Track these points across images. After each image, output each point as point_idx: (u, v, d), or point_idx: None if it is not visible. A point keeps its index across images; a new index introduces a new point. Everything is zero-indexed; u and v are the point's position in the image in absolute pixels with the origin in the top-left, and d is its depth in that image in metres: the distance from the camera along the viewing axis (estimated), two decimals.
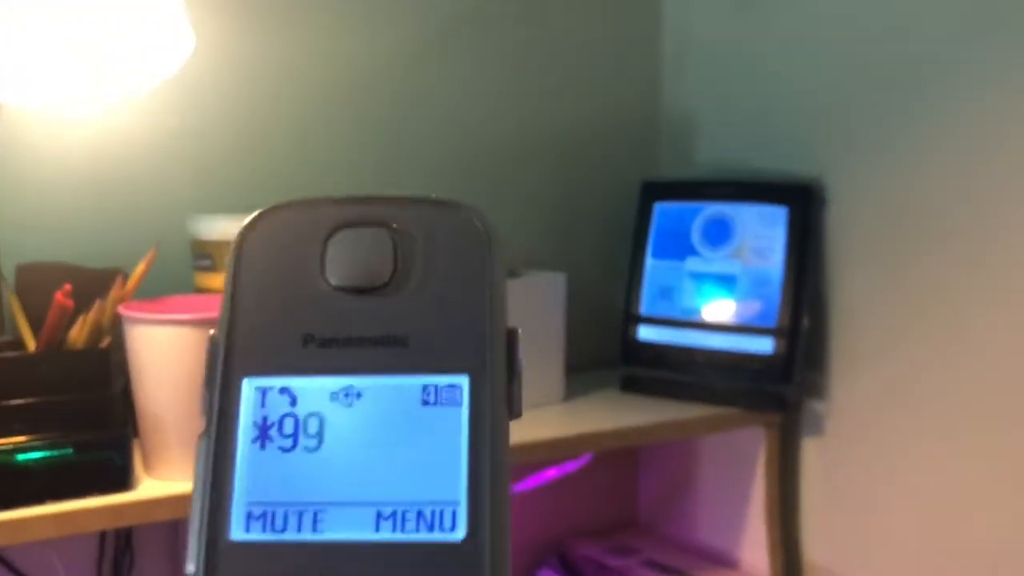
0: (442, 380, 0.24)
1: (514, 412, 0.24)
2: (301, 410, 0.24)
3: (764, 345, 0.95)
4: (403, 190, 0.87)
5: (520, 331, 0.25)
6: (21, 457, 0.67)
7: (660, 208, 1.03)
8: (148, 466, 0.74)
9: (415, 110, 1.03)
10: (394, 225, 0.25)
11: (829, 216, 0.97)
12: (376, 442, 0.23)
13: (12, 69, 0.73)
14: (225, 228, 0.80)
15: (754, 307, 0.96)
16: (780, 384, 0.95)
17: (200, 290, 0.82)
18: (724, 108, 1.10)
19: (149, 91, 0.76)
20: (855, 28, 0.94)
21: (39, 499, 0.68)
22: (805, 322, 0.94)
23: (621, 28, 1.16)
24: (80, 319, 0.74)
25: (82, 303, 0.75)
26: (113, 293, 0.75)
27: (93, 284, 0.78)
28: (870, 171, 0.93)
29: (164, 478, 0.73)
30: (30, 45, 0.73)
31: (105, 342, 0.75)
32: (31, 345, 0.75)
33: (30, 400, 0.70)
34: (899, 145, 0.90)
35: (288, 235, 0.25)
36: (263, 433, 0.23)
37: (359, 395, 0.24)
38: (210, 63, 0.90)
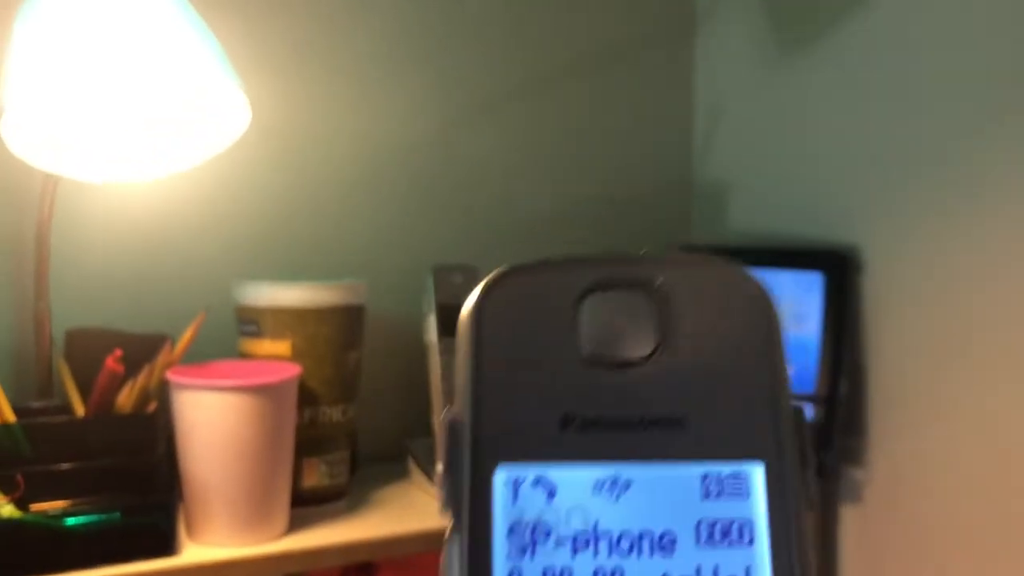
0: (726, 468, 0.20)
1: (810, 506, 0.21)
2: (560, 504, 0.20)
3: None
4: (443, 256, 0.89)
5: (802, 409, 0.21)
6: (70, 521, 0.68)
7: None
8: (191, 531, 0.74)
9: (456, 179, 1.05)
10: (656, 285, 0.22)
11: (865, 282, 0.97)
12: (654, 542, 0.20)
13: (71, 143, 0.76)
14: (270, 294, 0.81)
15: (792, 373, 0.95)
16: (819, 451, 0.94)
17: (245, 355, 0.83)
18: (756, 174, 1.11)
19: (203, 161, 0.79)
20: (889, 93, 0.95)
21: (86, 563, 0.68)
22: (843, 389, 0.94)
23: (654, 97, 1.18)
24: (128, 384, 0.76)
25: (130, 369, 0.76)
26: (161, 358, 0.77)
27: (140, 350, 0.79)
28: (906, 237, 0.93)
29: (207, 544, 0.73)
30: (89, 120, 0.76)
31: (152, 407, 0.76)
32: (79, 410, 0.76)
33: (78, 464, 0.71)
34: (935, 210, 0.90)
35: (533, 300, 0.22)
36: (520, 531, 0.20)
37: (628, 486, 0.20)
38: (259, 134, 0.93)
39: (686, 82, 1.20)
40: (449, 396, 0.87)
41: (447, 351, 0.88)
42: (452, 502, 0.21)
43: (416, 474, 0.91)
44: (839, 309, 0.95)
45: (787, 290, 0.98)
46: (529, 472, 0.20)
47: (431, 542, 0.79)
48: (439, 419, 0.88)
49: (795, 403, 0.21)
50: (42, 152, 0.74)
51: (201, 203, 0.92)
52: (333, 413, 0.83)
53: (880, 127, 0.96)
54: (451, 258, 0.99)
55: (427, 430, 0.90)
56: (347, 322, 0.83)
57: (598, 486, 0.20)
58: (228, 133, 0.76)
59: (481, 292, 0.22)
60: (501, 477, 0.20)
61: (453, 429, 0.21)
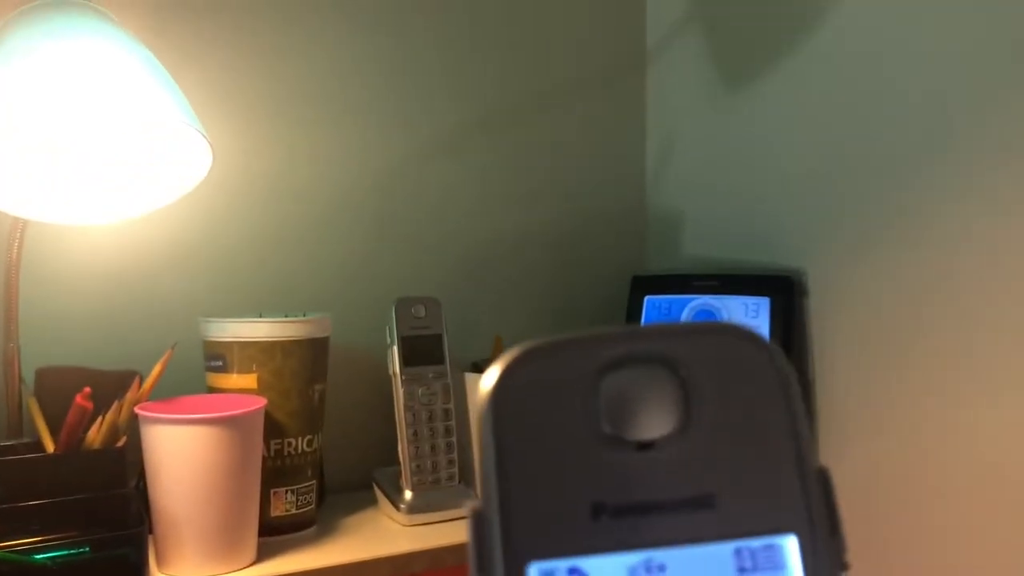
0: (759, 542, 0.20)
1: (845, 568, 0.21)
2: None
3: None
4: (410, 288, 0.92)
5: (830, 471, 0.21)
6: (38, 557, 0.69)
7: (650, 301, 1.08)
8: (162, 562, 0.76)
9: (417, 213, 1.08)
10: (675, 359, 0.21)
11: (811, 305, 1.01)
12: None
13: (38, 187, 0.78)
14: (236, 329, 0.83)
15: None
16: None
17: (212, 390, 0.85)
18: (706, 204, 1.15)
19: (167, 203, 0.81)
20: (829, 125, 1.00)
21: None
22: None
23: (608, 131, 1.22)
24: (98, 420, 0.78)
25: (99, 405, 0.78)
26: (130, 394, 0.79)
27: (110, 387, 0.81)
28: (848, 261, 0.97)
29: (178, 574, 0.75)
30: (56, 164, 0.79)
31: (121, 442, 0.78)
32: (49, 447, 0.78)
33: (49, 500, 0.73)
34: (874, 236, 0.95)
35: (552, 381, 0.21)
36: None
37: (663, 569, 0.20)
38: (224, 173, 0.96)
39: (638, 117, 1.25)
40: (413, 426, 0.90)
41: (409, 382, 0.91)
42: None
43: (383, 502, 0.93)
44: (786, 331, 0.99)
45: (736, 314, 1.02)
46: (562, 565, 0.20)
47: (398, 567, 0.82)
48: (403, 449, 0.91)
49: (820, 466, 0.21)
50: (10, 196, 0.77)
51: (167, 242, 0.94)
52: (300, 444, 0.86)
53: (822, 157, 1.00)
54: (414, 290, 1.02)
55: (392, 459, 0.93)
56: (312, 355, 0.86)
57: (632, 572, 0.20)
58: (192, 176, 0.78)
59: (499, 375, 0.21)
60: (535, 573, 0.20)
61: (480, 523, 0.20)
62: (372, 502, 0.96)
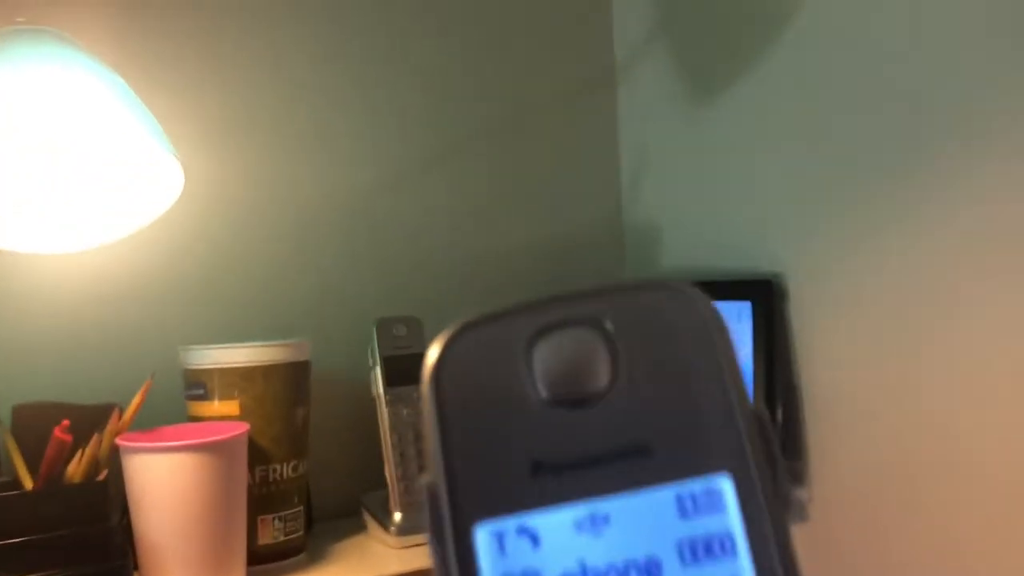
0: (697, 485, 0.21)
1: (786, 504, 0.21)
2: (546, 549, 0.20)
3: None
4: (387, 309, 0.91)
5: (766, 414, 0.22)
6: None
7: None
8: None
9: (395, 233, 1.08)
10: (601, 319, 0.22)
11: (791, 308, 1.01)
12: (640, 569, 0.20)
13: (6, 215, 0.77)
14: (216, 356, 0.82)
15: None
16: None
17: (193, 418, 0.84)
18: (683, 214, 1.16)
19: (138, 229, 0.81)
20: (800, 131, 1.00)
21: None
22: (779, 413, 0.97)
23: (583, 146, 1.23)
24: (78, 453, 0.76)
25: (79, 439, 0.77)
26: (110, 426, 0.77)
27: (88, 420, 0.80)
28: (826, 263, 0.98)
29: None
30: (24, 192, 0.78)
31: (102, 475, 0.77)
32: (28, 484, 0.76)
33: (30, 538, 0.72)
34: (850, 237, 0.95)
35: (487, 351, 0.22)
36: None
37: (607, 519, 0.20)
38: (195, 198, 0.95)
39: (611, 131, 1.25)
40: (399, 447, 0.89)
41: (394, 402, 0.90)
42: (441, 567, 0.21)
43: (372, 526, 0.92)
44: (768, 335, 0.99)
45: None
46: (509, 524, 0.20)
47: None
48: (390, 470, 0.90)
49: (755, 409, 0.21)
50: None
51: (141, 270, 0.93)
52: (285, 470, 0.84)
53: (794, 163, 1.01)
54: (394, 310, 1.01)
55: (380, 482, 0.92)
56: (293, 379, 0.85)
57: (578, 525, 0.20)
58: (163, 201, 0.78)
59: (438, 353, 0.22)
60: (483, 534, 0.21)
61: (430, 494, 0.21)
62: (361, 528, 0.95)
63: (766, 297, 1.00)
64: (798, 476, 1.00)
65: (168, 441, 0.75)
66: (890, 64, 0.90)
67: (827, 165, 0.97)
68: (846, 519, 0.96)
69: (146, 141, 0.70)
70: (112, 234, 0.80)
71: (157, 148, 0.71)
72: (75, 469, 0.76)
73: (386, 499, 0.91)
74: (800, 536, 0.95)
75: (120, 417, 0.78)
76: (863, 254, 0.94)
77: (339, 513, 1.01)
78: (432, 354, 0.22)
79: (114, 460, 0.77)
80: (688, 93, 1.15)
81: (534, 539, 0.20)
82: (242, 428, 0.78)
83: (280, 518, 0.84)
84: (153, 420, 0.83)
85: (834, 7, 0.96)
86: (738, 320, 1.01)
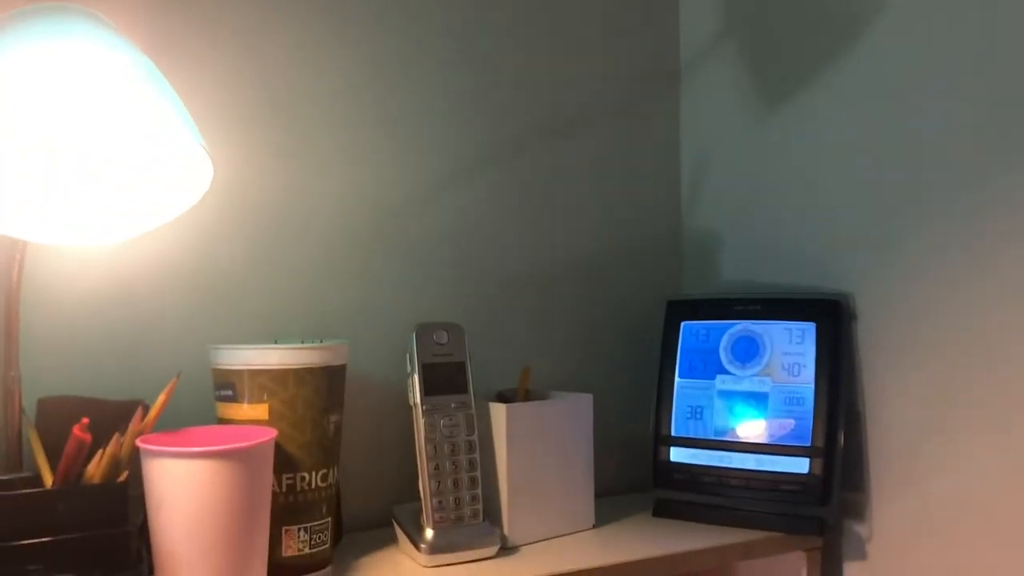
0: None
1: None
2: None
3: (800, 465, 0.92)
4: (428, 315, 0.87)
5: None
6: None
7: (687, 327, 1.02)
8: None
9: (441, 236, 1.03)
10: None
11: (860, 330, 0.95)
12: None
13: (35, 207, 0.74)
14: (246, 356, 0.79)
15: (788, 426, 0.93)
16: (818, 506, 0.91)
17: (222, 421, 0.81)
18: (744, 225, 1.10)
19: (169, 222, 0.77)
20: (878, 140, 0.94)
21: None
22: (841, 441, 0.91)
23: (641, 151, 1.17)
24: (99, 453, 0.73)
25: (102, 437, 0.73)
26: (132, 426, 0.74)
27: (114, 417, 0.77)
28: (900, 283, 0.91)
29: None
30: (53, 183, 0.75)
31: (123, 476, 0.74)
32: (49, 481, 0.74)
33: (44, 540, 0.68)
34: (929, 255, 0.88)
35: None
36: None
37: None
38: (233, 192, 0.92)
39: (672, 135, 1.19)
40: (434, 460, 0.85)
41: (431, 412, 0.85)
42: None
43: (403, 541, 0.88)
44: (833, 358, 0.93)
45: (780, 341, 0.96)
46: None
47: None
48: (424, 483, 0.85)
49: None
50: (7, 218, 0.73)
51: (174, 265, 0.90)
52: (313, 479, 0.80)
53: (870, 173, 0.95)
54: (436, 316, 0.97)
55: (413, 494, 0.87)
56: (327, 384, 0.81)
57: None
58: (194, 192, 0.74)
59: None
60: None
61: None
62: (392, 540, 0.91)
63: (832, 318, 0.94)
64: (858, 510, 0.94)
65: (192, 445, 0.72)
66: (978, 69, 0.83)
67: (903, 178, 0.91)
68: (907, 561, 0.89)
69: (178, 131, 0.67)
70: (144, 225, 0.76)
71: (188, 138, 0.67)
72: (95, 469, 0.73)
73: (418, 513, 0.87)
74: (858, 573, 0.89)
75: (144, 416, 0.75)
76: (944, 274, 0.87)
77: (370, 524, 0.97)
78: None
79: (136, 461, 0.74)
80: (754, 98, 1.09)
81: None
82: (269, 435, 0.74)
83: (306, 529, 0.80)
84: (181, 421, 0.80)
85: (910, 12, 0.89)
86: (801, 341, 0.94)
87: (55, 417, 0.79)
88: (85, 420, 0.71)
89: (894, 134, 0.92)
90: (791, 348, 0.95)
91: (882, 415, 0.92)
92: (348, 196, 0.99)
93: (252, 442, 0.71)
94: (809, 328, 0.94)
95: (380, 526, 0.96)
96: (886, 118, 0.92)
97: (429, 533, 0.84)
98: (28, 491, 0.72)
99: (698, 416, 0.98)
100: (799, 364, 0.94)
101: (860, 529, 0.94)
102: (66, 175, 0.75)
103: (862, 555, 0.94)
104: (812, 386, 0.93)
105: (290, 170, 0.96)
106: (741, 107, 1.11)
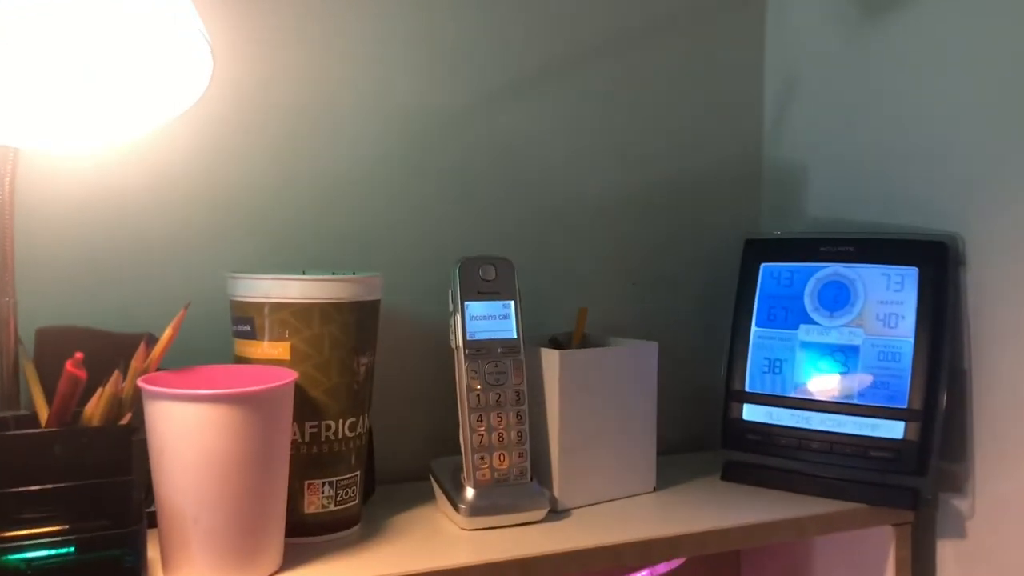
0: None
1: None
2: None
3: (893, 430, 0.81)
4: (476, 248, 0.75)
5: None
6: (11, 557, 0.57)
7: (767, 269, 0.91)
8: (167, 566, 0.63)
9: (489, 159, 0.93)
10: None
11: (967, 278, 0.83)
12: None
13: (27, 109, 0.65)
14: (266, 288, 0.70)
15: (880, 385, 0.82)
16: (912, 476, 0.81)
17: (240, 359, 0.72)
18: (835, 157, 0.98)
19: (175, 121, 0.68)
20: (990, 62, 0.81)
21: None
22: (942, 403, 0.80)
23: (719, 70, 1.05)
24: (98, 391, 0.65)
25: (104, 372, 0.65)
26: (135, 362, 0.66)
27: (118, 350, 0.69)
28: (1018, 226, 0.79)
29: None
30: (44, 81, 0.66)
31: (126, 418, 0.65)
32: (43, 419, 0.66)
33: (36, 487, 0.60)
34: None
35: None
36: None
37: None
38: (254, 107, 0.82)
39: (755, 51, 1.08)
40: (477, 411, 0.75)
41: (474, 356, 0.76)
42: None
43: (441, 499, 0.79)
44: (937, 309, 0.82)
45: (875, 288, 0.84)
46: None
47: None
48: (465, 436, 0.76)
49: None
50: None
51: (193, 183, 0.81)
52: (340, 428, 0.71)
53: (981, 100, 0.82)
54: (482, 250, 0.87)
55: (455, 447, 0.78)
56: (357, 321, 0.72)
57: None
58: (194, 86, 0.64)
59: None
60: None
61: None
62: (429, 496, 0.82)
63: (937, 263, 0.83)
64: (958, 483, 0.83)
65: (199, 386, 0.63)
66: None
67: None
68: (1012, 543, 0.79)
69: (187, 25, 0.57)
70: (146, 124, 0.67)
71: (189, 26, 0.57)
72: (93, 409, 0.65)
73: (459, 469, 0.78)
74: (953, 553, 0.78)
75: (148, 351, 0.66)
76: None
77: (407, 476, 0.88)
78: None
79: (139, 402, 0.65)
80: (851, 10, 0.96)
81: None
82: (289, 377, 0.65)
83: (331, 484, 0.71)
84: (196, 358, 0.71)
85: None
86: (899, 289, 0.83)
87: (55, 349, 0.71)
88: (79, 355, 0.62)
89: (1013, 53, 0.78)
90: (888, 296, 0.83)
91: (991, 376, 0.81)
92: (384, 107, 0.88)
93: (266, 385, 0.62)
94: (910, 273, 0.83)
95: (417, 479, 0.87)
96: (1004, 34, 0.79)
97: (470, 492, 0.75)
98: (21, 432, 0.64)
99: (776, 370, 0.88)
100: (896, 315, 0.83)
101: (959, 504, 0.83)
102: (60, 73, 0.65)
103: (960, 533, 0.83)
104: (911, 340, 0.81)
105: (322, 82, 0.85)
106: (835, 20, 0.98)
